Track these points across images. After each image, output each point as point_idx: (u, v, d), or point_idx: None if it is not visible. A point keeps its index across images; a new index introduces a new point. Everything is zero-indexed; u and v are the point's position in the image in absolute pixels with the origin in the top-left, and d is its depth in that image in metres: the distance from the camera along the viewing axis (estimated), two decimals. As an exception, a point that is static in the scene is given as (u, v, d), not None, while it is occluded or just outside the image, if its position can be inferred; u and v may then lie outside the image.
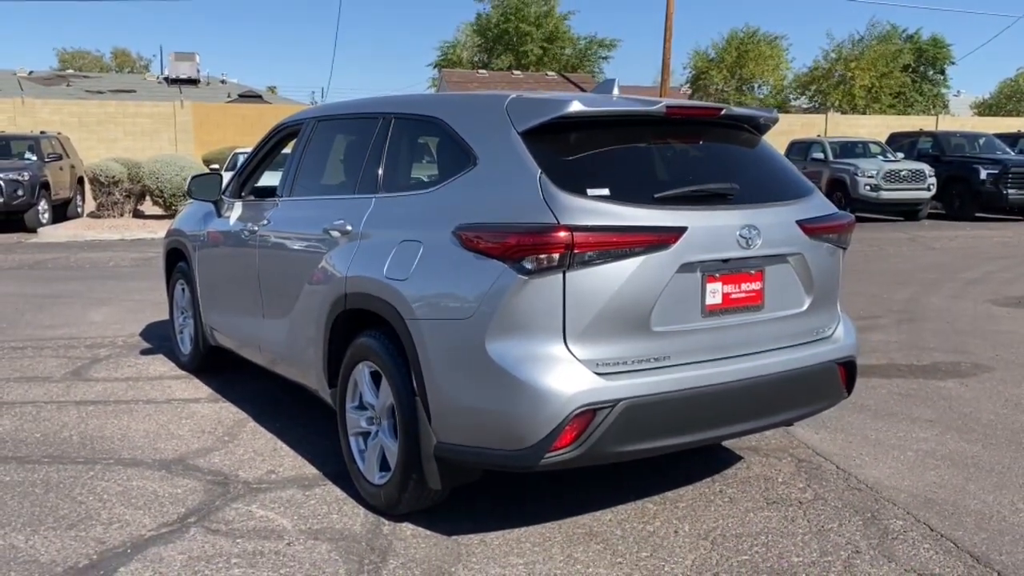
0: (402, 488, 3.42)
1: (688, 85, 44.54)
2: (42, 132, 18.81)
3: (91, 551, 3.28)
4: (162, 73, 46.83)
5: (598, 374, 3.01)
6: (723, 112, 3.52)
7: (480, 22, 42.80)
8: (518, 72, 36.97)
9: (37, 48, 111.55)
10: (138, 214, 18.37)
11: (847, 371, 3.73)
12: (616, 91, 4.29)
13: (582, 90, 33.97)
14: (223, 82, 46.39)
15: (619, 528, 3.51)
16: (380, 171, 3.83)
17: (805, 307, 3.54)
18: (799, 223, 3.46)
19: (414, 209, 3.52)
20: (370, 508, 3.65)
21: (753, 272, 3.35)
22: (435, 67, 44.08)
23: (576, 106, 3.15)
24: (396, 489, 3.45)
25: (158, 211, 17.84)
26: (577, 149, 3.23)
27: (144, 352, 6.54)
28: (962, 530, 3.50)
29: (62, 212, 18.05)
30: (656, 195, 3.17)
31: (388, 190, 3.76)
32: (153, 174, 17.38)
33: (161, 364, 6.18)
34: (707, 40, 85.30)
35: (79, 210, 18.96)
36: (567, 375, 2.96)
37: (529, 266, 2.93)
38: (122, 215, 18.01)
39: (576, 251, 2.92)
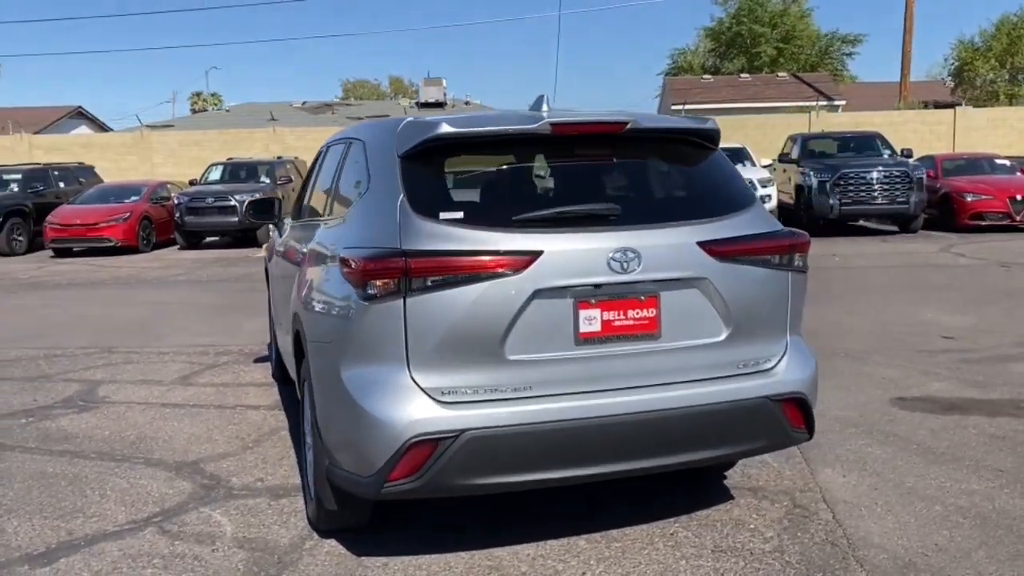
0: (318, 506, 3.51)
1: (950, 78, 40.43)
2: (278, 157, 21.01)
3: (53, 540, 3.68)
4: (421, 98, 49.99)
5: (443, 403, 2.92)
6: (628, 126, 3.25)
7: (715, 27, 41.76)
8: (746, 75, 35.59)
9: (326, 80, 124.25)
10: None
11: (798, 409, 3.29)
12: (546, 107, 3.98)
13: (816, 90, 32.02)
14: (467, 103, 48.91)
15: (529, 565, 3.35)
16: (332, 195, 3.96)
17: (723, 337, 3.19)
18: (703, 245, 3.12)
19: (331, 234, 3.61)
20: (310, 522, 3.77)
21: (644, 298, 3.07)
22: (665, 75, 43.65)
23: (444, 128, 3.09)
24: (316, 507, 3.54)
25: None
26: (446, 172, 3.18)
27: (257, 360, 7.15)
28: (917, 604, 2.97)
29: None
30: (515, 218, 3.02)
31: (330, 213, 3.88)
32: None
33: (259, 372, 6.72)
34: (973, 28, 76.42)
35: (310, 226, 20.92)
36: (405, 404, 2.91)
37: (372, 291, 2.92)
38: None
39: (413, 277, 2.87)
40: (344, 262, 3.10)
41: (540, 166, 3.35)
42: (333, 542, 3.58)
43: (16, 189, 18.87)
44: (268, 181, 18.96)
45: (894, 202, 15.51)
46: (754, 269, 3.21)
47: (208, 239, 18.93)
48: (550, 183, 3.39)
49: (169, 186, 19.91)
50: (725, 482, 4.11)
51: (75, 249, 17.33)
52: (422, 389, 2.93)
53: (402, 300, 2.90)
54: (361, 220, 3.29)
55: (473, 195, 3.18)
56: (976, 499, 3.85)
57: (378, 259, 2.91)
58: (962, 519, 3.65)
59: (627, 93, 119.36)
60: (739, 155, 17.83)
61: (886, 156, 16.86)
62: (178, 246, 18.56)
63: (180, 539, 3.66)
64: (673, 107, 29.38)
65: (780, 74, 35.70)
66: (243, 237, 18.25)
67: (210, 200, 17.77)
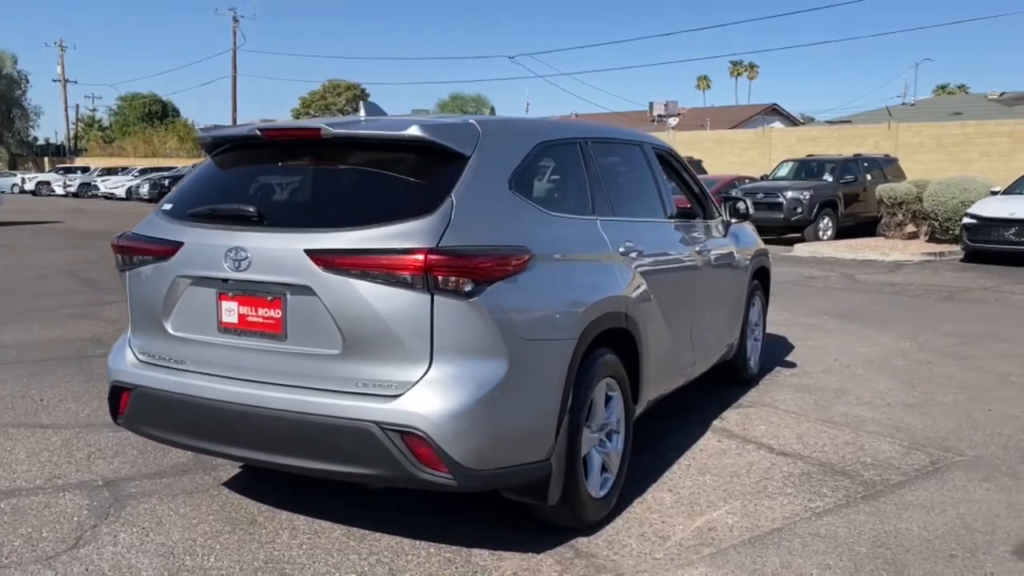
0: None
1: None
2: (856, 155, 19.95)
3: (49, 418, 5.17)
4: None
5: (140, 361, 3.53)
6: (321, 133, 3.24)
7: None
8: None
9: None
10: (935, 238, 17.76)
11: (428, 447, 2.86)
12: (362, 113, 3.60)
13: None
14: None
15: (269, 519, 3.61)
16: None
17: (339, 351, 3.03)
18: (309, 253, 3.01)
19: None
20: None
21: (270, 298, 3.16)
22: None
23: (200, 132, 3.69)
24: None
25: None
26: (201, 170, 3.72)
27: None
28: None
29: (870, 230, 18.84)
30: (189, 211, 3.42)
31: None
32: (932, 196, 16.75)
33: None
34: None
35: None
36: (118, 357, 3.61)
37: (118, 265, 3.66)
38: (911, 237, 17.79)
39: (122, 255, 3.57)
40: None
41: (257, 167, 3.62)
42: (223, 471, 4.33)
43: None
44: (831, 180, 18.36)
45: None
46: (369, 285, 2.94)
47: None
48: (243, 183, 3.59)
49: (745, 180, 20.71)
50: (582, 536, 3.53)
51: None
52: (131, 348, 3.58)
53: (126, 273, 3.59)
54: None
55: (185, 191, 3.63)
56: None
57: (114, 239, 3.65)
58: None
59: None
60: None
61: None
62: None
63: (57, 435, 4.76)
64: None
65: None
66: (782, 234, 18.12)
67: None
